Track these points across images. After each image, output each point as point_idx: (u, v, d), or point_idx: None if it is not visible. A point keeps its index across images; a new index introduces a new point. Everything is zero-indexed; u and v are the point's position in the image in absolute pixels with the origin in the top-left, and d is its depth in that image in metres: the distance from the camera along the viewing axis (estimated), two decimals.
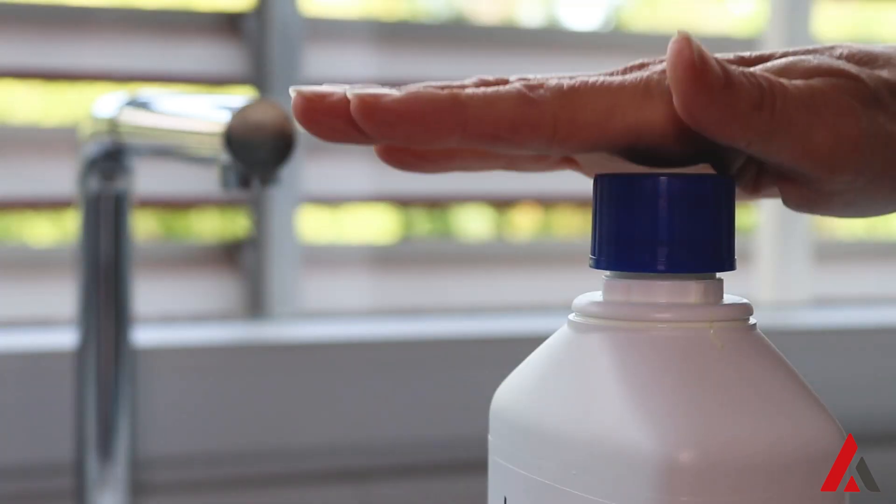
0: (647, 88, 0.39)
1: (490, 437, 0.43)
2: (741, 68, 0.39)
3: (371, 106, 0.38)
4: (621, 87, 0.39)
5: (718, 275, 0.42)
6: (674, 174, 0.40)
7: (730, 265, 0.41)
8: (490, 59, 1.04)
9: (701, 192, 0.40)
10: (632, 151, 0.41)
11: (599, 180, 0.41)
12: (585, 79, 0.39)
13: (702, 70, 0.38)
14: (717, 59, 0.38)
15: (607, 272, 0.42)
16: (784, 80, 0.40)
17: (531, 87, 0.39)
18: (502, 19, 1.11)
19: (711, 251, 0.41)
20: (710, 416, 0.38)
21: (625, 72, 0.41)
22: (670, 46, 0.38)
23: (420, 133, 0.38)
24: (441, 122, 0.38)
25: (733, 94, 0.38)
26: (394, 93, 0.38)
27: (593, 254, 0.42)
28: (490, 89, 0.39)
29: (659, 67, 0.40)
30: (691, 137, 0.39)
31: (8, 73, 0.94)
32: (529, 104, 0.38)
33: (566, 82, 0.39)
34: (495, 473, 0.42)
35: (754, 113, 0.38)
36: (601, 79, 0.40)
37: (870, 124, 0.40)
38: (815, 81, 0.40)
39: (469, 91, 0.38)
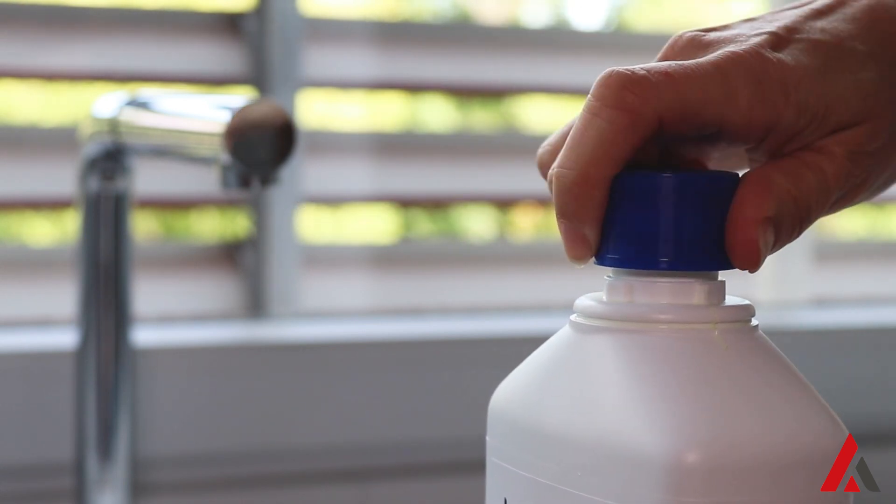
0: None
1: (488, 438, 0.43)
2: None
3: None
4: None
5: (720, 276, 0.42)
6: (676, 172, 0.40)
7: (731, 263, 0.41)
8: (493, 59, 1.04)
9: (704, 189, 0.40)
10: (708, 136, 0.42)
11: None
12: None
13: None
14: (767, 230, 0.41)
15: (610, 271, 0.42)
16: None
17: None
18: (505, 19, 1.11)
19: (714, 248, 0.41)
20: (716, 417, 0.38)
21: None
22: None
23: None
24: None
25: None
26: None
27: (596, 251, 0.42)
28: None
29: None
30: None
31: (8, 73, 0.94)
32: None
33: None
34: (494, 474, 0.42)
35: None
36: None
37: None
38: None
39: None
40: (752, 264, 0.41)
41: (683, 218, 0.40)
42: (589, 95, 0.41)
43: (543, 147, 0.45)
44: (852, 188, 0.43)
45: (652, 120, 0.40)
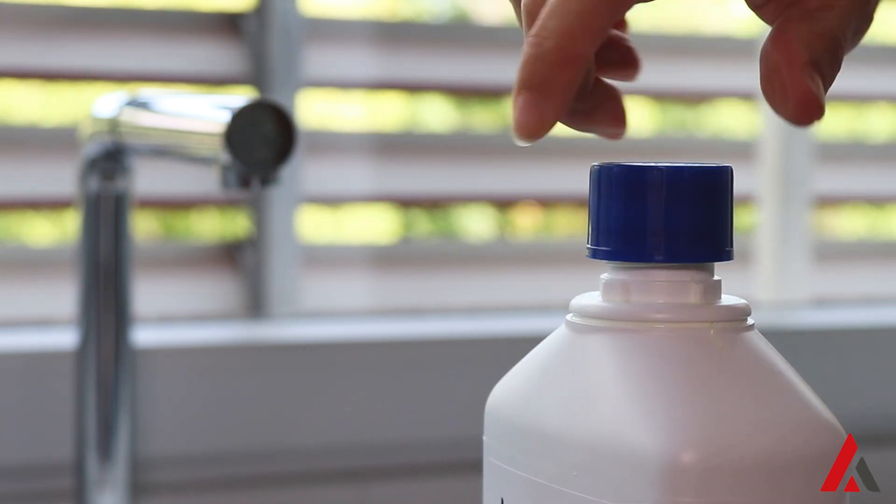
0: None
1: (485, 438, 0.43)
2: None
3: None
4: None
5: (716, 276, 0.42)
6: (670, 165, 0.40)
7: (727, 255, 0.41)
8: (493, 59, 1.04)
9: (699, 181, 0.40)
10: None
11: (596, 170, 0.41)
12: None
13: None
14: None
15: (606, 265, 0.42)
16: None
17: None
18: (505, 19, 1.11)
19: (709, 241, 0.41)
20: (712, 416, 0.38)
21: None
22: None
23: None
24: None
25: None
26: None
27: (590, 244, 0.42)
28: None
29: None
30: None
31: (8, 73, 0.94)
32: None
33: None
34: (490, 474, 0.42)
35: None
36: None
37: None
38: None
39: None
40: (815, 110, 0.40)
41: (676, 210, 0.40)
42: None
43: None
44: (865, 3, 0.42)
45: None
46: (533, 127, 0.39)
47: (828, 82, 0.41)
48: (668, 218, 0.40)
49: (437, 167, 1.04)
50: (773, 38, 0.41)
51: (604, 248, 0.41)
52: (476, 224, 1.13)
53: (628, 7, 0.40)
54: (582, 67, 0.39)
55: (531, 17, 0.42)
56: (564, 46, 0.39)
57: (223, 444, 0.89)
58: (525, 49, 0.40)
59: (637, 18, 1.17)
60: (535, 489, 0.40)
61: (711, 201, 0.40)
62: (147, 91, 0.72)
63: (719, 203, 0.41)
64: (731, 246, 0.41)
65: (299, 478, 0.90)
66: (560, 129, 0.44)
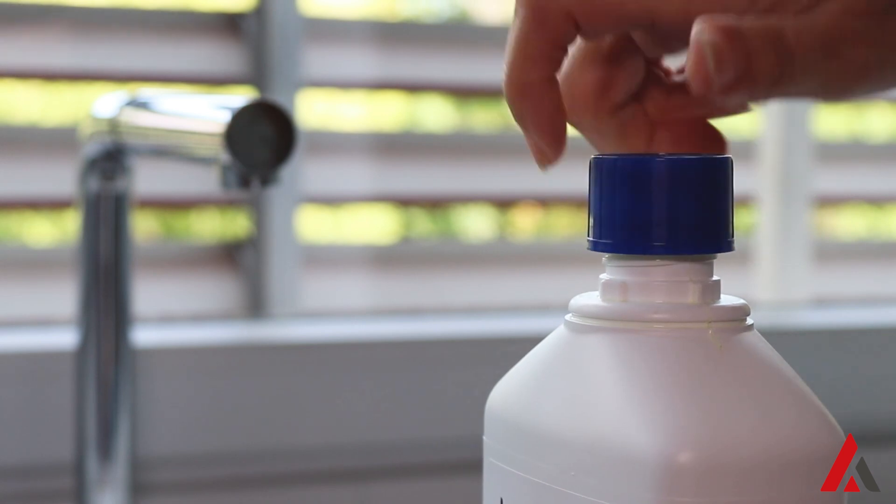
0: None
1: (485, 439, 0.43)
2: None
3: None
4: None
5: (716, 276, 0.42)
6: (670, 156, 0.40)
7: (728, 246, 0.41)
8: (492, 58, 1.04)
9: (699, 172, 0.40)
10: (651, 33, 0.41)
11: (596, 162, 0.41)
12: None
13: (717, 83, 0.38)
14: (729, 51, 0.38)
15: (605, 263, 0.42)
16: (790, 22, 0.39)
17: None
18: (505, 19, 1.11)
19: (711, 231, 0.40)
20: (710, 417, 0.38)
21: None
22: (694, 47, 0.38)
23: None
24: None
25: (754, 80, 0.38)
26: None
27: (590, 237, 0.42)
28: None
29: None
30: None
31: (8, 73, 0.94)
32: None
33: None
34: (490, 475, 0.42)
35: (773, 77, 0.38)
36: None
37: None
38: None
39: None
40: (702, 82, 0.38)
41: (676, 200, 0.40)
42: None
43: None
44: (844, 45, 0.39)
45: (559, 15, 0.40)
46: (538, 157, 0.41)
47: (762, 77, 0.38)
48: (669, 208, 0.40)
49: (436, 167, 1.04)
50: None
51: (604, 241, 0.41)
52: (476, 224, 1.13)
53: (554, 31, 0.40)
54: (536, 93, 0.40)
55: None
56: (512, 78, 0.41)
57: (223, 444, 0.89)
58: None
59: None
60: (534, 489, 0.40)
61: (712, 192, 0.40)
62: (147, 91, 0.72)
63: (720, 194, 0.41)
64: (732, 237, 0.41)
65: (299, 478, 0.90)
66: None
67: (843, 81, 0.40)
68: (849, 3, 0.39)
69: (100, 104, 0.71)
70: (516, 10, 0.41)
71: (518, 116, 0.41)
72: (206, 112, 0.63)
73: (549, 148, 0.41)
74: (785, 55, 0.38)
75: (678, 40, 0.41)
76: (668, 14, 0.40)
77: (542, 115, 0.41)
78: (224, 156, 0.60)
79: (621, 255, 0.41)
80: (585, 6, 0.40)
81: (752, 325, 0.41)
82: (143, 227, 1.01)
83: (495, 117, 1.12)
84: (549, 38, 0.40)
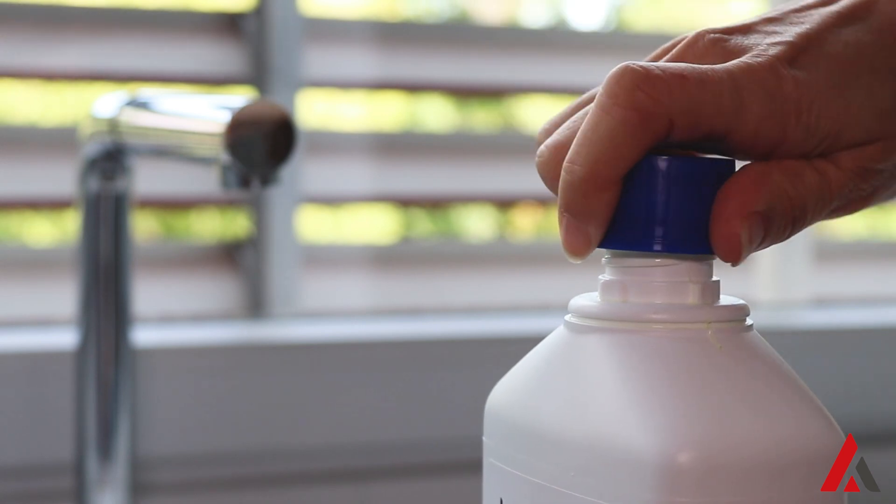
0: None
1: (485, 439, 0.43)
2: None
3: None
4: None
5: (715, 276, 0.42)
6: (671, 156, 0.40)
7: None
8: (492, 59, 1.04)
9: (698, 173, 0.40)
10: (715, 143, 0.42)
11: None
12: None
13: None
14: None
15: (604, 265, 0.42)
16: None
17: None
18: (504, 19, 1.11)
19: (709, 233, 0.41)
20: (710, 417, 0.38)
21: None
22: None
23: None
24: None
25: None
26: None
27: None
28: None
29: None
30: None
31: (8, 73, 0.94)
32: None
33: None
34: (490, 475, 0.42)
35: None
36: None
37: None
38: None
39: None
40: (734, 257, 0.40)
41: (678, 201, 0.40)
42: (601, 90, 0.41)
43: (543, 134, 0.45)
44: (856, 199, 0.43)
45: (663, 122, 0.40)
46: (580, 248, 0.42)
47: (771, 241, 0.41)
48: (669, 208, 0.40)
49: (436, 167, 1.04)
50: (748, 170, 0.41)
51: (604, 239, 0.41)
52: (476, 224, 1.13)
53: (653, 136, 0.40)
54: (616, 190, 0.40)
55: (546, 135, 0.44)
56: (596, 173, 0.40)
57: (223, 444, 0.89)
58: (562, 174, 0.41)
59: (636, 18, 1.18)
60: (533, 490, 0.40)
61: (712, 192, 0.40)
62: (147, 91, 0.72)
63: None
64: None
65: (299, 478, 0.90)
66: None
67: (853, 212, 0.44)
68: (864, 161, 0.42)
69: (100, 104, 0.71)
70: (604, 105, 0.40)
71: (585, 209, 0.41)
72: (206, 112, 0.63)
73: (596, 241, 0.41)
74: (800, 220, 0.42)
75: (733, 152, 0.42)
76: (741, 135, 0.41)
77: (608, 210, 0.41)
78: (224, 156, 0.60)
79: (621, 255, 0.41)
80: (690, 117, 0.40)
81: (751, 325, 0.41)
82: (143, 227, 1.01)
83: (495, 117, 1.12)
84: (648, 143, 0.40)
